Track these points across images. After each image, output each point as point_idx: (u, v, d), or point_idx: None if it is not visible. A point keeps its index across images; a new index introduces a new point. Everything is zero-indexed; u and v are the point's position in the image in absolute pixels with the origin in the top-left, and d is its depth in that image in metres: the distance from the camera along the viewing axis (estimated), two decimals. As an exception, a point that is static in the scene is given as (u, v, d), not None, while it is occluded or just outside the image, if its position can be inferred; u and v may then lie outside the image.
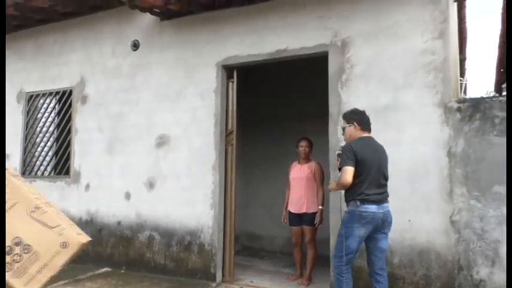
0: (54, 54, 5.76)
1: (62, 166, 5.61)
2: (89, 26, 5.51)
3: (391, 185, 3.63)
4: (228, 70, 4.69)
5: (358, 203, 3.12)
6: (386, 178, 3.25)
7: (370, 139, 3.31)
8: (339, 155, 3.36)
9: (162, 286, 4.38)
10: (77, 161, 5.45)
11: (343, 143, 3.52)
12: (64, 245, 2.87)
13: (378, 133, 3.75)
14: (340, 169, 3.23)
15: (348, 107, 3.90)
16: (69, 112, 5.58)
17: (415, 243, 3.57)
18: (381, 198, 3.17)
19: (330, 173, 3.94)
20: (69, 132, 5.56)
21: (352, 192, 3.18)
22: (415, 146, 3.63)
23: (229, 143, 4.69)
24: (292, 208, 4.48)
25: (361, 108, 3.80)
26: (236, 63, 4.60)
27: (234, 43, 4.58)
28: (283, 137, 6.20)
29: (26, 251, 2.82)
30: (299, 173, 4.41)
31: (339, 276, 3.26)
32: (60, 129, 5.69)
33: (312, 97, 5.65)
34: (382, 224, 3.19)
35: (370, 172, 3.15)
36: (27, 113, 5.96)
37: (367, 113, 3.77)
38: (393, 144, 3.70)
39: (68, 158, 5.54)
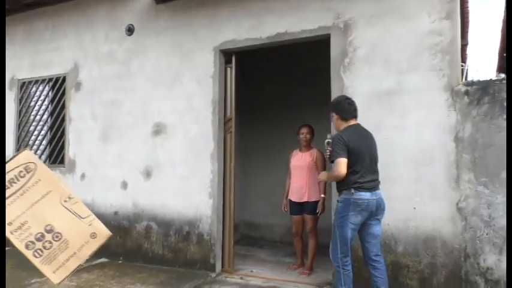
0: (46, 39, 5.58)
1: (56, 155, 5.47)
2: (82, 10, 5.33)
3: (395, 172, 3.55)
4: (226, 55, 4.54)
5: (353, 191, 3.08)
6: (377, 164, 3.23)
7: (358, 126, 3.26)
8: (328, 143, 3.29)
9: (160, 277, 4.28)
10: (71, 150, 5.32)
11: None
12: (93, 236, 2.97)
13: (382, 118, 3.64)
14: (331, 159, 3.18)
15: (351, 91, 3.78)
16: (63, 99, 5.42)
17: (420, 231, 3.46)
18: (374, 185, 3.15)
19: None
20: (63, 120, 5.42)
21: (346, 182, 3.12)
22: (420, 131, 3.50)
23: (227, 130, 4.55)
24: (293, 197, 4.37)
25: (364, 92, 3.72)
26: (234, 48, 4.44)
27: (232, 26, 4.41)
28: (282, 124, 6.07)
29: (56, 239, 2.88)
30: (300, 161, 4.29)
31: (340, 268, 3.18)
32: (54, 117, 5.54)
33: (313, 82, 5.52)
34: (376, 211, 3.14)
35: (364, 160, 3.11)
36: (20, 100, 5.80)
37: (371, 98, 3.68)
38: (397, 129, 3.59)
39: (62, 147, 5.40)
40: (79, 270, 4.57)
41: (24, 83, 5.76)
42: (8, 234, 2.83)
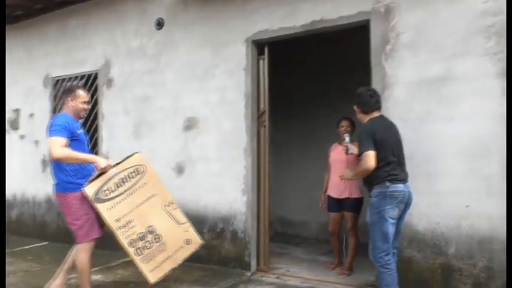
0: (78, 37, 5.57)
1: (90, 152, 5.45)
2: (111, 6, 5.27)
3: (444, 166, 3.29)
4: (258, 46, 4.35)
5: (387, 183, 2.96)
6: (404, 156, 3.12)
7: (382, 118, 3.14)
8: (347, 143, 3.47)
9: (194, 275, 4.18)
10: (105, 147, 5.30)
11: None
12: (188, 242, 3.12)
13: (429, 108, 3.37)
14: (360, 152, 3.06)
15: (394, 81, 3.52)
16: (96, 96, 5.40)
17: (474, 231, 3.17)
18: (405, 176, 3.06)
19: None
20: (96, 117, 5.40)
21: (377, 176, 2.99)
22: (473, 122, 3.20)
23: (261, 124, 4.38)
24: (333, 193, 4.13)
25: (408, 81, 3.49)
26: (267, 38, 4.25)
27: (264, 16, 4.21)
28: (319, 116, 5.83)
29: (156, 240, 3.02)
30: (340, 155, 4.01)
31: (382, 268, 3.01)
32: (87, 114, 5.52)
33: (351, 72, 5.22)
34: (407, 204, 3.07)
35: (393, 151, 3.02)
36: (55, 97, 5.84)
37: (417, 86, 3.41)
38: (447, 120, 3.30)
39: (95, 144, 5.39)
40: (114, 266, 4.58)
41: (58, 80, 5.79)
42: (115, 229, 2.99)
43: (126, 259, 4.82)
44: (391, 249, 3.05)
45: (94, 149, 5.43)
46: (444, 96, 3.32)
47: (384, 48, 3.57)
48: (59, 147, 2.92)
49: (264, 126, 4.36)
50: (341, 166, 4.04)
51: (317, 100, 5.89)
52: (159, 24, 4.90)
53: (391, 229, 3.00)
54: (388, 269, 2.99)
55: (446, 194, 3.27)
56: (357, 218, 4.03)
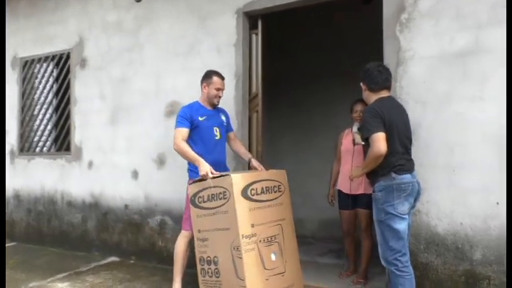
0: (50, 9, 4.95)
1: (62, 141, 4.90)
2: (86, -26, 4.67)
3: (469, 156, 2.79)
4: (251, 19, 3.79)
5: (394, 174, 2.53)
6: (411, 142, 2.72)
7: (391, 99, 2.68)
8: (358, 130, 2.98)
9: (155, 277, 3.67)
10: (77, 135, 4.72)
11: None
12: None
13: (453, 87, 2.85)
14: (364, 137, 2.60)
15: (410, 55, 3.00)
16: (67, 78, 4.81)
17: (505, 233, 2.66)
18: (412, 165, 2.64)
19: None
20: (68, 101, 4.82)
21: (382, 166, 2.52)
22: (504, 103, 2.68)
23: (253, 109, 3.83)
24: (345, 187, 3.48)
25: (427, 55, 2.97)
26: (260, 9, 3.69)
27: (258, -17, 3.66)
28: (315, 102, 5.30)
29: (216, 275, 2.84)
30: (353, 145, 3.39)
31: (399, 272, 2.53)
32: (58, 98, 4.95)
33: (352, 52, 4.69)
34: (416, 197, 2.63)
35: (401, 137, 2.57)
36: (23, 81, 5.23)
37: (438, 61, 2.88)
38: (474, 100, 2.79)
39: (68, 132, 4.82)
40: (84, 272, 4.04)
41: (26, 61, 5.18)
42: (195, 236, 2.95)
43: (101, 262, 4.29)
44: (407, 248, 2.57)
45: (66, 138, 4.85)
46: (471, 72, 2.80)
47: (398, 18, 3.04)
48: (178, 139, 3.05)
49: (257, 112, 3.82)
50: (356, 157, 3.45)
51: (313, 83, 5.33)
52: (139, -5, 4.31)
53: (403, 225, 2.54)
54: (406, 272, 2.53)
55: (471, 189, 2.76)
56: (372, 216, 3.45)
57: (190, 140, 3.12)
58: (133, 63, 4.34)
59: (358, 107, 3.38)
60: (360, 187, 3.37)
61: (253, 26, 3.81)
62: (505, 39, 2.68)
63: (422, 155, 2.85)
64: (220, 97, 3.23)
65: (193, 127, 3.12)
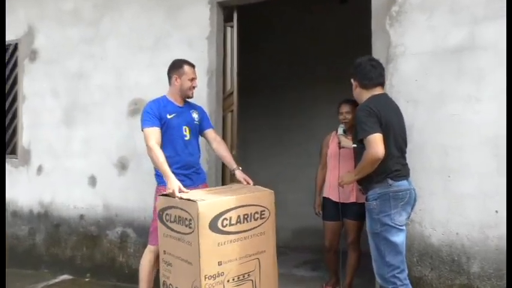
0: (-6, -4, 4.41)
1: (7, 143, 4.33)
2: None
3: (465, 160, 2.59)
4: (226, 10, 3.48)
5: (390, 181, 2.29)
6: (407, 145, 2.48)
7: (386, 97, 2.43)
8: (344, 131, 2.91)
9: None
10: (25, 136, 4.19)
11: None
12: None
13: (447, 85, 2.65)
14: (358, 137, 2.31)
15: (401, 51, 2.78)
16: (15, 72, 4.27)
17: (504, 243, 2.47)
18: (408, 170, 2.42)
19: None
20: (15, 98, 4.27)
21: (379, 171, 2.26)
22: (503, 103, 2.50)
23: (227, 108, 3.50)
24: (335, 195, 3.11)
25: (420, 51, 2.77)
26: (236, 0, 3.39)
27: (234, -28, 3.35)
28: (288, 103, 5.02)
29: None
30: (343, 149, 3.04)
31: None
32: (4, 95, 4.38)
33: (340, 47, 4.44)
34: (413, 205, 2.40)
35: (396, 140, 2.34)
36: (-37, 76, 4.61)
37: (431, 58, 2.69)
38: (470, 100, 2.60)
39: (14, 133, 4.26)
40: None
41: (-32, 53, 4.58)
42: (160, 256, 2.56)
43: (50, 281, 3.78)
44: (405, 263, 2.32)
45: (12, 139, 4.29)
46: (466, 70, 2.61)
47: (388, 10, 2.82)
48: (152, 141, 2.69)
49: (231, 111, 3.49)
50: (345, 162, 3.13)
51: (287, 83, 5.05)
52: (99, -18, 3.88)
53: (401, 237, 2.30)
54: None
55: (469, 196, 2.55)
56: (361, 227, 3.14)
57: None
58: (93, 57, 3.89)
59: (344, 108, 3.10)
60: (351, 195, 3.04)
61: (228, 18, 3.50)
62: (504, 35, 2.51)
63: (414, 159, 2.62)
64: (194, 87, 2.86)
65: (161, 126, 2.74)
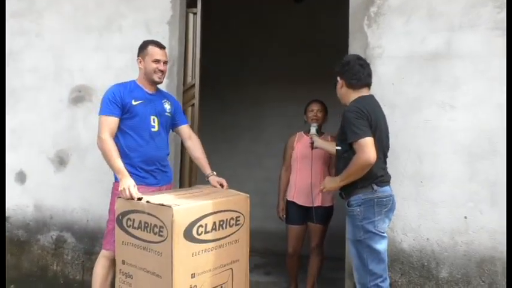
0: None
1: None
2: None
3: (439, 167, 2.62)
4: (189, -6, 3.18)
5: (375, 186, 2.20)
6: (389, 150, 2.42)
7: (372, 98, 2.34)
8: (317, 131, 2.84)
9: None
10: None
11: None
12: None
13: (423, 91, 2.66)
14: (349, 140, 2.17)
15: (378, 53, 2.73)
16: None
17: (472, 249, 2.52)
18: (389, 176, 2.36)
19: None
20: None
21: (366, 176, 2.17)
22: (477, 112, 2.55)
23: (188, 102, 3.20)
24: (300, 199, 2.99)
25: (397, 55, 2.74)
26: (202, -17, 3.12)
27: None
28: (240, 101, 4.84)
29: None
30: (310, 150, 2.91)
31: None
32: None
33: (315, 44, 4.30)
34: (393, 211, 2.34)
35: (382, 144, 2.26)
36: None
37: (407, 62, 2.68)
38: (444, 107, 2.61)
39: None
40: None
41: None
42: (117, 266, 2.26)
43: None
44: (387, 272, 2.25)
45: None
46: (442, 77, 2.62)
47: (367, 11, 2.74)
48: (104, 133, 2.34)
49: (193, 105, 3.19)
50: (312, 164, 2.99)
51: (242, 78, 4.85)
52: None
53: (384, 245, 2.23)
54: None
55: (441, 203, 2.57)
56: (325, 231, 3.06)
57: (118, 130, 2.39)
58: (26, 34, 3.36)
59: (316, 106, 3.00)
60: (317, 199, 2.93)
61: (191, 4, 3.19)
62: (480, 42, 2.55)
63: (390, 164, 2.54)
64: (162, 72, 2.51)
65: (124, 113, 2.40)
